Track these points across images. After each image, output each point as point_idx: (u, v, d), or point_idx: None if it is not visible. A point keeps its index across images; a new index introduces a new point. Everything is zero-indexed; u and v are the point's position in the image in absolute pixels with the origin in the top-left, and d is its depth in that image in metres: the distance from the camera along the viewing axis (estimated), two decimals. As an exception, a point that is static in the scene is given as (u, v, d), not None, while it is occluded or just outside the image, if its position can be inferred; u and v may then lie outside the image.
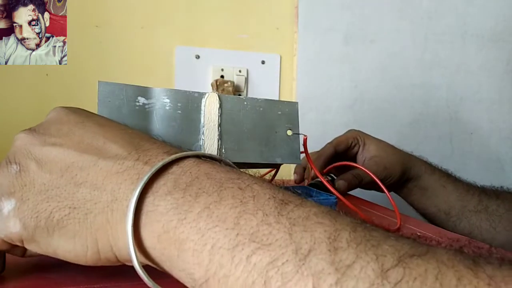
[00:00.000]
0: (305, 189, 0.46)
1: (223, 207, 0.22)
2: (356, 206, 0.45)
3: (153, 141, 0.27)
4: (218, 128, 0.36)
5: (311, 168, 0.55)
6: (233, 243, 0.21)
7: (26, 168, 0.26)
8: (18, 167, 0.26)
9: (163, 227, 0.23)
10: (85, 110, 0.31)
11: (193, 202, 0.23)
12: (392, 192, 0.68)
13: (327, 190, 0.56)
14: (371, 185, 0.63)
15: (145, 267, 0.23)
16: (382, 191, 0.64)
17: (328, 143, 0.66)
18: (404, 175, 0.65)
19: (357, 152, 0.67)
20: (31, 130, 0.28)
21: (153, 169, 0.24)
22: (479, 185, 0.69)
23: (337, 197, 0.43)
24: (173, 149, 0.27)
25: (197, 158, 0.26)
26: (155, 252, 0.23)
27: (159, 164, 0.24)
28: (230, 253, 0.20)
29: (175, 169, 0.24)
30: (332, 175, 0.66)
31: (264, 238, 0.20)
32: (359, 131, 0.68)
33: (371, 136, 0.67)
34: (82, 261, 0.25)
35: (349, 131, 0.69)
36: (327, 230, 0.20)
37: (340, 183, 0.59)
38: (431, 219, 0.68)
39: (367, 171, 0.55)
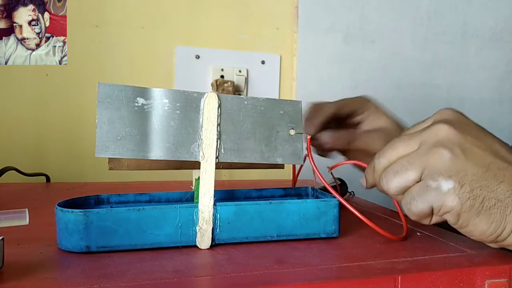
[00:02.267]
0: (312, 189, 0.46)
1: None
2: (357, 208, 0.44)
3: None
4: (217, 127, 0.36)
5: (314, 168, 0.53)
6: None
7: (456, 156, 0.33)
8: (450, 154, 0.33)
9: None
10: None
11: None
12: None
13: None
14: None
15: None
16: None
17: (330, 102, 0.55)
18: None
19: (360, 121, 0.56)
20: (451, 124, 0.34)
21: None
22: None
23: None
24: None
25: None
26: None
27: None
28: None
29: None
30: (341, 178, 0.60)
31: None
32: (370, 98, 0.57)
33: (382, 107, 0.57)
34: (483, 240, 0.34)
35: (359, 96, 0.58)
36: None
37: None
38: None
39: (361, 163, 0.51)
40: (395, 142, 0.37)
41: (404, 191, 0.35)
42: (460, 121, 0.36)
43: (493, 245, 0.35)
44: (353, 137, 0.54)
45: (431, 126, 0.35)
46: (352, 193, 0.61)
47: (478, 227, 0.33)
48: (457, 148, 0.33)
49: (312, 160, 0.40)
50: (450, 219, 0.34)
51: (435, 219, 0.35)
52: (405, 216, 0.44)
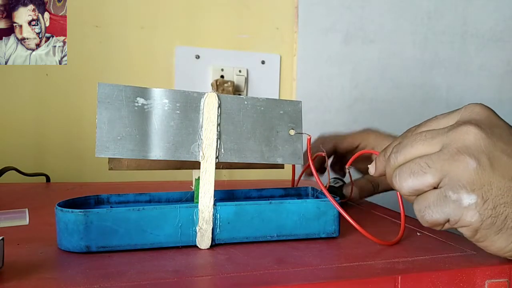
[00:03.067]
0: (312, 189, 0.46)
1: None
2: (356, 208, 0.45)
3: None
4: (217, 128, 0.36)
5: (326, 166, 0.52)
6: None
7: (483, 167, 0.29)
8: (475, 164, 0.29)
9: None
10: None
11: None
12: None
13: (335, 192, 0.55)
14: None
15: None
16: None
17: (331, 136, 0.56)
18: None
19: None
20: (481, 128, 0.31)
21: None
22: None
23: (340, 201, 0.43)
24: None
25: None
26: None
27: None
28: None
29: None
30: (342, 178, 0.59)
31: None
32: (373, 130, 0.56)
33: (386, 137, 0.55)
34: (498, 254, 0.32)
35: (363, 129, 0.57)
36: None
37: (355, 191, 0.52)
38: None
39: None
40: (415, 138, 0.33)
41: (418, 194, 0.32)
42: (490, 123, 0.32)
43: (507, 257, 0.33)
44: (338, 138, 0.54)
45: (457, 127, 0.31)
46: None
47: (496, 244, 0.31)
48: (485, 157, 0.30)
49: (311, 162, 0.40)
50: (467, 233, 0.31)
51: (447, 227, 0.32)
52: (406, 218, 0.44)
